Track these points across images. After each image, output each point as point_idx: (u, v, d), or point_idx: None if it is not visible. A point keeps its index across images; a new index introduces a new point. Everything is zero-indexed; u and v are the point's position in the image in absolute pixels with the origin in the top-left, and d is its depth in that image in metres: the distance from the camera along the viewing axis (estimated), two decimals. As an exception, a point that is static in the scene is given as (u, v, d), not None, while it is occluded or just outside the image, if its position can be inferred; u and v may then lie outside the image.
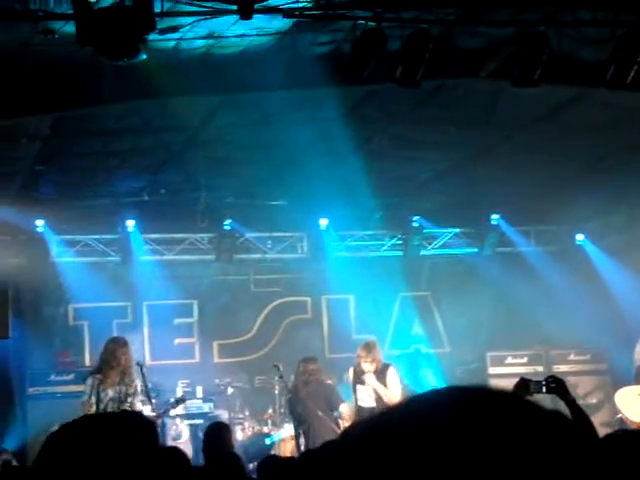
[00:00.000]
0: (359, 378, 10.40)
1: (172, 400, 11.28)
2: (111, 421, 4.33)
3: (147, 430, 4.28)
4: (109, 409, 10.18)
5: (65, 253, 14.15)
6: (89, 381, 10.63)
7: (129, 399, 10.50)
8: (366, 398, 10.28)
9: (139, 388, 10.67)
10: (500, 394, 1.10)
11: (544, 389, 5.44)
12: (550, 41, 8.27)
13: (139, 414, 6.45)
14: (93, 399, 10.42)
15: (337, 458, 1.11)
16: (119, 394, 10.45)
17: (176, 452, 4.66)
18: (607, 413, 12.72)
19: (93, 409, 10.28)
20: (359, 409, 10.27)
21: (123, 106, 9.52)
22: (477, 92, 10.10)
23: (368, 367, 10.32)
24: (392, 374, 10.38)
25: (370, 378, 10.27)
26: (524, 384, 5.43)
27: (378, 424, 1.10)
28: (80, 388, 13.06)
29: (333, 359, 14.00)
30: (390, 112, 10.57)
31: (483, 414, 1.04)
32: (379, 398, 10.13)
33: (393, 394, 10.12)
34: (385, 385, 10.28)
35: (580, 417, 3.84)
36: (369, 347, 10.53)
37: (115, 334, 14.60)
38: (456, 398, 1.09)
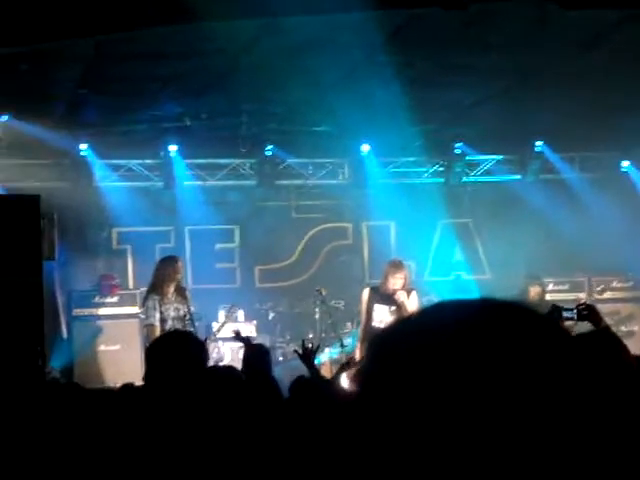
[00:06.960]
0: (379, 297, 10.33)
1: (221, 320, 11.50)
2: (178, 341, 4.43)
3: (198, 350, 4.38)
4: (176, 327, 10.03)
5: (108, 177, 14.26)
6: (149, 303, 10.43)
7: (187, 317, 10.36)
8: (385, 318, 10.14)
9: (192, 307, 10.68)
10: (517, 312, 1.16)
11: (576, 316, 5.45)
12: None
13: (191, 335, 6.50)
14: (157, 319, 10.27)
15: (374, 365, 1.17)
16: (178, 312, 10.36)
17: (231, 371, 4.76)
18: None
19: (158, 330, 10.12)
20: (373, 329, 10.02)
21: (165, 29, 9.46)
22: (523, 16, 9.91)
23: (398, 284, 10.29)
24: (414, 298, 10.35)
25: (402, 295, 10.21)
26: (557, 311, 5.44)
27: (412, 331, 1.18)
28: (124, 310, 13.32)
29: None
30: (433, 37, 10.42)
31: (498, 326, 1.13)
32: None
33: None
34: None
35: (614, 343, 3.84)
36: (398, 265, 10.52)
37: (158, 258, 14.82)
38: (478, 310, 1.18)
